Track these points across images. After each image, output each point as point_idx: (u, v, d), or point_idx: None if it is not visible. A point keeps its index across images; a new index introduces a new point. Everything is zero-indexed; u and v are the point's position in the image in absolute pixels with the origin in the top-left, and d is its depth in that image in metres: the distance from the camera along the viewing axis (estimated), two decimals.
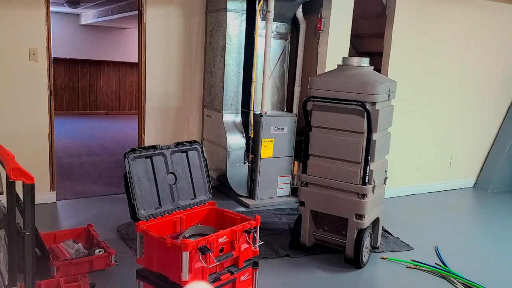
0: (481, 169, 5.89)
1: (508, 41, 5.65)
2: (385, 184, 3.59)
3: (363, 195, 3.24)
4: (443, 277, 3.28)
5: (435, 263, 3.48)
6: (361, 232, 3.28)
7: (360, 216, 3.26)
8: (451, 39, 5.21)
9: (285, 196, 4.76)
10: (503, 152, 5.73)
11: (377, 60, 5.01)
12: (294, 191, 4.85)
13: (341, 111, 3.27)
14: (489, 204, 5.34)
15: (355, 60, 3.37)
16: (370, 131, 3.17)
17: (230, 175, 4.55)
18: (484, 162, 5.89)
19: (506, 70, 5.72)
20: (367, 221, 3.28)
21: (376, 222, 3.56)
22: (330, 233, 3.51)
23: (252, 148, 4.52)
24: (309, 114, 3.44)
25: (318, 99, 3.33)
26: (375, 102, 3.17)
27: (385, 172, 3.57)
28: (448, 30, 5.16)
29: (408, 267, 3.40)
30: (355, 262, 3.31)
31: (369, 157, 3.20)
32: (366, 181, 3.21)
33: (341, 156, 3.30)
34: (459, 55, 5.32)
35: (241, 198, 4.64)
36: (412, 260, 3.49)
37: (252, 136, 4.51)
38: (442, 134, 5.44)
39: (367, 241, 3.36)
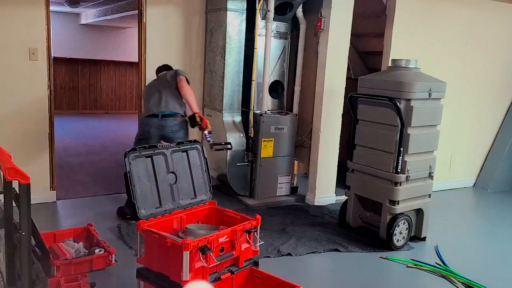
0: (481, 168, 5.89)
1: (508, 41, 5.65)
2: (430, 179, 3.77)
3: (396, 183, 3.56)
4: (443, 277, 3.28)
5: (435, 263, 3.48)
6: (394, 217, 3.58)
7: (393, 202, 3.58)
8: (451, 39, 5.21)
9: (285, 195, 4.75)
10: (503, 151, 5.72)
11: (377, 60, 5.01)
12: (294, 190, 4.85)
13: (379, 106, 3.64)
14: (489, 203, 5.34)
15: (402, 62, 3.72)
16: (402, 125, 3.48)
17: (230, 175, 4.55)
18: (484, 161, 5.88)
19: (506, 70, 5.72)
20: (400, 208, 3.59)
21: (419, 213, 3.80)
22: (374, 216, 3.83)
23: (252, 148, 4.52)
24: (356, 108, 3.87)
25: (358, 95, 3.80)
26: (410, 99, 3.47)
27: (430, 167, 3.74)
28: (448, 30, 5.15)
29: (408, 267, 3.40)
30: (386, 244, 3.62)
31: (401, 149, 3.50)
32: (399, 170, 3.54)
33: (378, 146, 3.69)
34: (459, 55, 5.32)
35: (241, 198, 4.63)
36: (412, 260, 3.50)
37: (252, 135, 4.51)
38: (442, 133, 5.42)
39: (401, 227, 3.64)
